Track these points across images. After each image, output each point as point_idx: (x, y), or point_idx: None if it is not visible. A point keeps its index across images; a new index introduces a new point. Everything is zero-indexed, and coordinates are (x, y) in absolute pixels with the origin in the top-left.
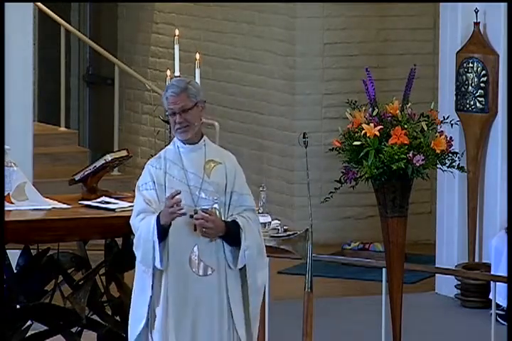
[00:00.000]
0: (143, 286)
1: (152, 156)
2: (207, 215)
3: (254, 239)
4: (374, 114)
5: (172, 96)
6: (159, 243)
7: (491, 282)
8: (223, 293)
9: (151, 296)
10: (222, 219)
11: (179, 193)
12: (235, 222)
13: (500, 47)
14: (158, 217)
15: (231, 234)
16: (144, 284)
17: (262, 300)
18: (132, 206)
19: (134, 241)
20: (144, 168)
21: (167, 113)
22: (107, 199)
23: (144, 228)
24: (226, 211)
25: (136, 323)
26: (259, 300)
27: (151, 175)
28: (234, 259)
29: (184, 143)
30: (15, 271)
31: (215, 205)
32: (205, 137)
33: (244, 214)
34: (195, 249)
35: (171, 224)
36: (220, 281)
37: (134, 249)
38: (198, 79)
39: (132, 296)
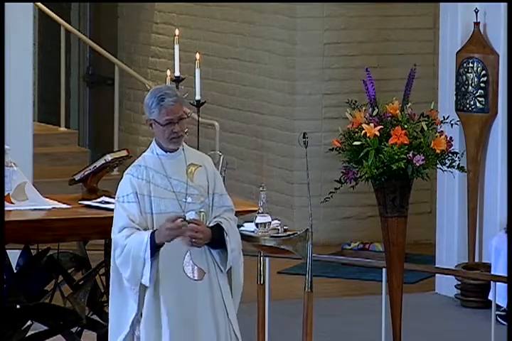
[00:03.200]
0: (125, 301)
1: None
2: (196, 226)
3: (236, 240)
4: (374, 114)
5: (172, 105)
6: (151, 261)
7: (491, 282)
8: (218, 293)
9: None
10: (208, 221)
11: (180, 218)
12: (218, 226)
13: (500, 47)
14: (151, 234)
15: (216, 240)
16: (126, 299)
17: (262, 300)
18: None
19: (119, 258)
20: (122, 178)
21: (161, 122)
22: (107, 199)
23: (134, 245)
24: (210, 212)
25: (116, 334)
26: (239, 296)
27: (132, 186)
28: (222, 261)
29: (165, 151)
30: (15, 271)
31: (202, 209)
32: (183, 142)
33: (225, 216)
34: (188, 253)
35: (163, 243)
36: (212, 283)
37: (118, 265)
38: (198, 79)
39: (110, 308)
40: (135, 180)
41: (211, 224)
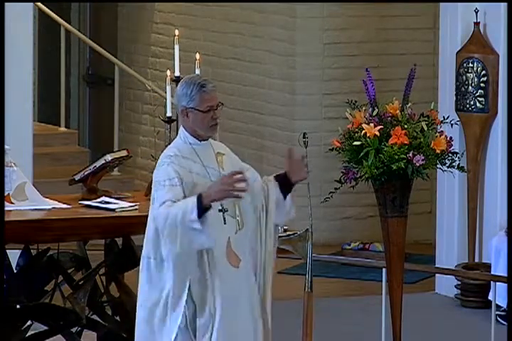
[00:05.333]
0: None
1: (153, 157)
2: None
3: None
4: (374, 114)
5: (212, 90)
6: (200, 222)
7: (491, 282)
8: (253, 281)
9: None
10: (241, 207)
11: (241, 173)
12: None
13: (500, 47)
14: (199, 197)
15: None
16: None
17: None
18: (133, 206)
19: (165, 230)
20: (159, 168)
21: (202, 109)
22: (107, 199)
23: (178, 210)
24: (253, 188)
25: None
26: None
27: (176, 172)
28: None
29: (199, 140)
30: (15, 271)
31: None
32: None
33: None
34: (229, 241)
35: (210, 206)
36: (248, 270)
37: (164, 238)
38: None
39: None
40: (178, 168)
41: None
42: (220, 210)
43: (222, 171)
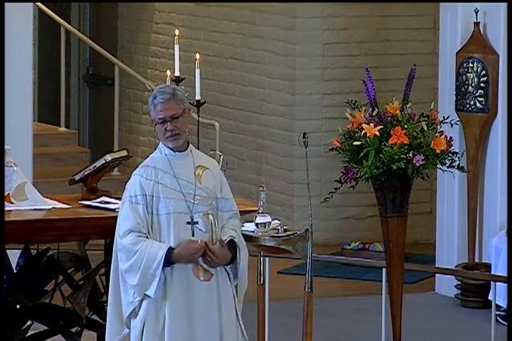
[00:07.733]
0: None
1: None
2: (212, 256)
3: (244, 248)
4: (374, 114)
5: (162, 103)
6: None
7: (491, 282)
8: (226, 294)
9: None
10: (216, 223)
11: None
12: (232, 243)
13: (500, 47)
14: (168, 251)
15: (232, 258)
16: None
17: (262, 300)
18: None
19: (126, 264)
20: (131, 178)
21: (155, 122)
22: (107, 199)
23: (146, 256)
24: (216, 215)
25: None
26: (242, 299)
27: (141, 187)
28: (233, 274)
29: (174, 151)
30: (15, 271)
31: (209, 211)
32: (190, 143)
33: (233, 225)
34: None
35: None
36: (218, 283)
37: (124, 271)
38: (197, 79)
39: (109, 310)
40: (144, 181)
41: (224, 237)
42: (188, 223)
43: (199, 185)
